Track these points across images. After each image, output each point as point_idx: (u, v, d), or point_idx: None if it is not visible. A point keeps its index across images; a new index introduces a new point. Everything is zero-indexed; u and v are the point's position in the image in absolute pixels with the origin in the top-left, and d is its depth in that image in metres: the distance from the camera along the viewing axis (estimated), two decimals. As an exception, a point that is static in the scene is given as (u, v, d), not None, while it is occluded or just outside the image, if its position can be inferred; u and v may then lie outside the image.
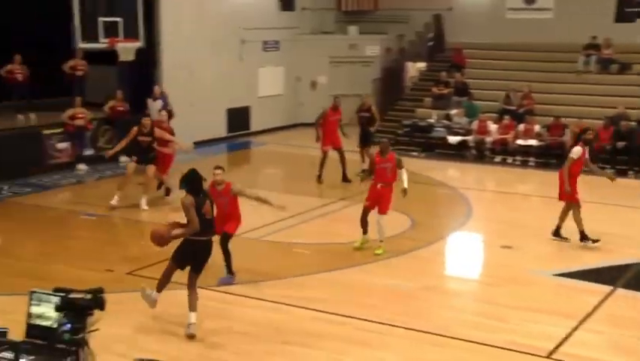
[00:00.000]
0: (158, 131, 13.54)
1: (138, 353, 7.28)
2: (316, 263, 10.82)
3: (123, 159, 16.65)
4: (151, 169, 13.48)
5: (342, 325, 8.53)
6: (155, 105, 16.98)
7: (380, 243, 11.11)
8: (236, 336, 8.21)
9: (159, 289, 8.38)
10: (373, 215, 11.10)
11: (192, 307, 8.17)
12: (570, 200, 11.49)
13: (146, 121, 13.50)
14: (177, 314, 8.64)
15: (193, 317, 8.13)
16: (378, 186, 11.04)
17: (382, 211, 11.02)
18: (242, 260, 11.24)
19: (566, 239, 11.73)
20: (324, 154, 15.89)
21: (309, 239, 11.91)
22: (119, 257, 10.69)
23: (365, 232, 11.26)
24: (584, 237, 11.52)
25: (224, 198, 9.44)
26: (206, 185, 8.57)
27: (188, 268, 8.28)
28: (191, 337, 8.03)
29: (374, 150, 12.55)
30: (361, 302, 9.23)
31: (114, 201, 13.38)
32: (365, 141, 16.43)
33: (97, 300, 5.07)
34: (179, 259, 8.24)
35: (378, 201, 11.03)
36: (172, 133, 14.23)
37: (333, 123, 15.83)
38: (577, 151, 11.45)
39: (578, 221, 11.50)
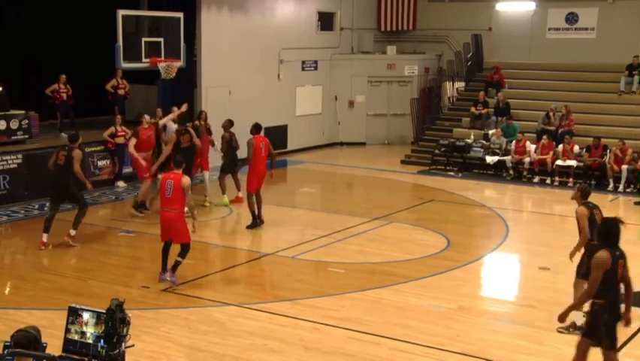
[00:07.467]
0: None
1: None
2: (351, 282, 10.79)
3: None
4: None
5: (378, 345, 8.48)
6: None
7: None
8: (270, 354, 8.21)
9: None
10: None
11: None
12: None
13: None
14: (209, 331, 8.70)
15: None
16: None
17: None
18: (277, 278, 11.32)
19: None
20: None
21: (344, 258, 11.90)
22: (156, 274, 10.76)
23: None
24: None
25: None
26: None
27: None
28: None
29: None
30: (396, 322, 9.17)
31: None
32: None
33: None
34: None
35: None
36: None
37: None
38: None
39: None
